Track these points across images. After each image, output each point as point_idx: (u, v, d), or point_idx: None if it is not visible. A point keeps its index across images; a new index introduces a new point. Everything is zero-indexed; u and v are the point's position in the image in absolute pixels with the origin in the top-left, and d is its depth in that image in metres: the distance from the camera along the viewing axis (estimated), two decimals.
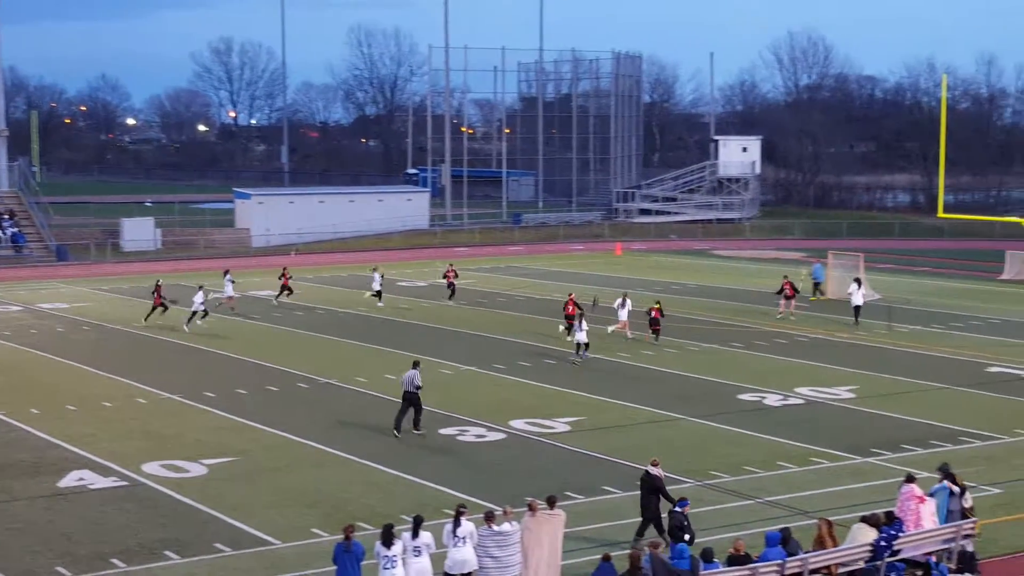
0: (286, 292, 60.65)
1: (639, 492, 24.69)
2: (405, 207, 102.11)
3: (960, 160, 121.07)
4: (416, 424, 34.03)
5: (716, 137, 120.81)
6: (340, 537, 20.91)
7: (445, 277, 62.39)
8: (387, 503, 27.59)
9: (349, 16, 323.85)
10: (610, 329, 49.91)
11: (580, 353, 45.30)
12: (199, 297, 52.46)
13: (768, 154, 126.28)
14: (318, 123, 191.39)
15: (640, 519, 24.68)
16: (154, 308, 53.63)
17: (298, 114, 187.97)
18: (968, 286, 69.19)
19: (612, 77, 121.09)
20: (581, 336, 45.28)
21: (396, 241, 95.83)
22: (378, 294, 59.55)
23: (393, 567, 20.48)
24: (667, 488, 24.62)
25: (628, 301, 50.53)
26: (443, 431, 34.50)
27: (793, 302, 55.45)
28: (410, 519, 21.49)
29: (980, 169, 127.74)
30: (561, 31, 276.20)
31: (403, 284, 68.51)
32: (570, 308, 48.74)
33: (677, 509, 23.01)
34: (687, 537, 22.54)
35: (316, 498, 28.16)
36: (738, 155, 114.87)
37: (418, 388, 33.93)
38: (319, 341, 50.31)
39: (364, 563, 20.74)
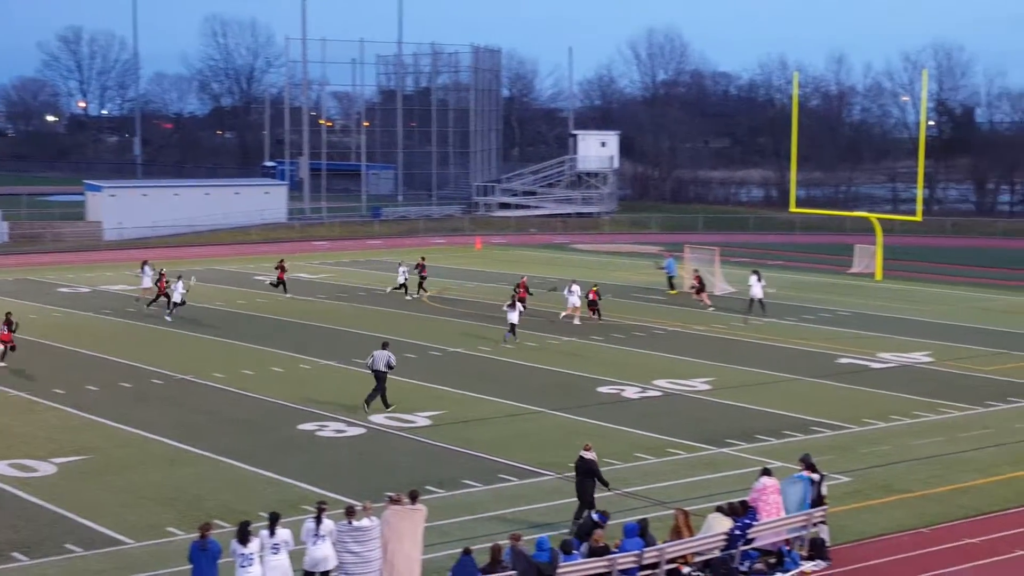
0: (282, 285, 60.43)
1: (574, 477, 25.48)
2: (263, 200, 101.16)
3: (811, 156, 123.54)
4: (385, 402, 35.92)
5: (575, 132, 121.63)
6: (196, 536, 20.62)
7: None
8: (244, 500, 27.29)
9: (204, 5, 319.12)
10: (562, 315, 52.54)
11: (508, 335, 47.81)
12: (179, 287, 53.73)
13: (626, 149, 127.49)
14: (172, 114, 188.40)
15: (577, 501, 25.28)
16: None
17: (151, 105, 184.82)
18: (819, 279, 70.60)
19: (471, 71, 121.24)
20: (513, 317, 47.74)
21: (254, 235, 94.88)
22: (402, 287, 59.54)
23: (250, 565, 20.23)
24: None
25: (576, 287, 52.98)
26: (302, 426, 34.23)
27: (704, 294, 57.72)
28: (268, 516, 21.23)
29: (830, 165, 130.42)
30: (420, 24, 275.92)
31: (260, 278, 67.80)
32: (522, 292, 52.11)
33: (596, 518, 22.85)
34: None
35: (171, 496, 27.74)
36: (596, 150, 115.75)
37: (390, 368, 35.84)
38: (174, 336, 49.59)
39: (221, 561, 20.48)
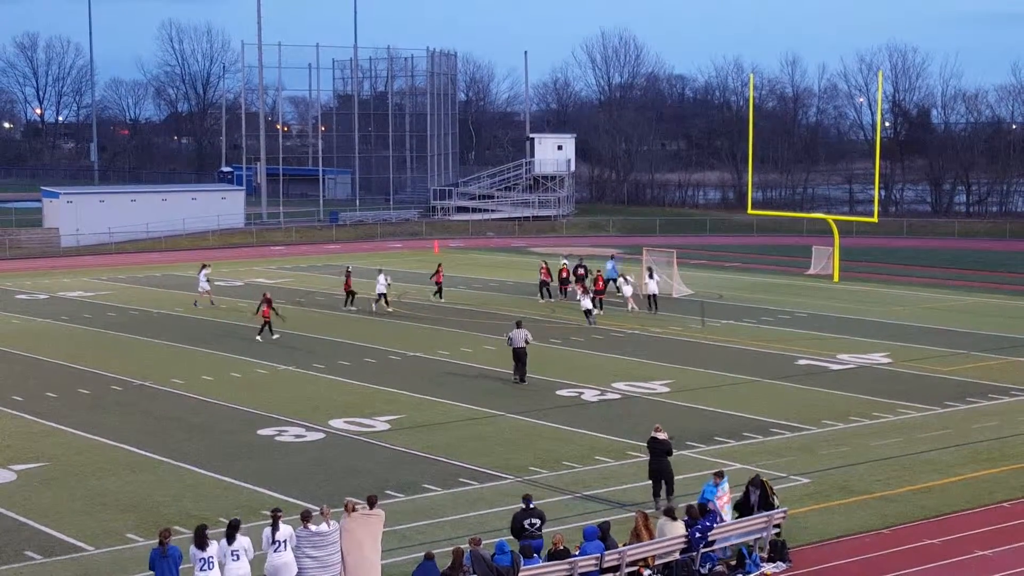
0: (351, 298, 58.44)
1: (648, 457, 27.35)
2: (220, 206, 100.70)
3: (768, 158, 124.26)
4: (523, 376, 40.21)
5: (531, 135, 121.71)
6: (155, 542, 20.54)
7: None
8: (204, 506, 27.19)
9: (159, 11, 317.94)
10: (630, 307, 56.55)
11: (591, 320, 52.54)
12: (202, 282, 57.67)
13: (582, 152, 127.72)
14: (128, 120, 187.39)
15: (651, 482, 27.15)
16: None
17: (107, 111, 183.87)
18: (777, 281, 70.91)
19: (427, 75, 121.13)
20: (586, 303, 52.74)
21: (212, 240, 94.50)
22: (380, 297, 57.11)
23: (210, 569, 20.20)
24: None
25: (629, 277, 57.95)
26: (261, 431, 34.13)
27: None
28: (227, 522, 21.16)
29: (786, 166, 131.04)
30: (376, 28, 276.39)
31: (219, 284, 67.50)
32: (543, 274, 58.99)
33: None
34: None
35: (130, 502, 27.61)
36: (553, 153, 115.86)
37: (528, 343, 40.32)
38: (133, 342, 49.33)
39: (181, 567, 20.41)
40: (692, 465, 30.45)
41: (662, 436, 27.37)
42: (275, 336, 49.31)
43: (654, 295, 56.90)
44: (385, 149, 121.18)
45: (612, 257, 65.68)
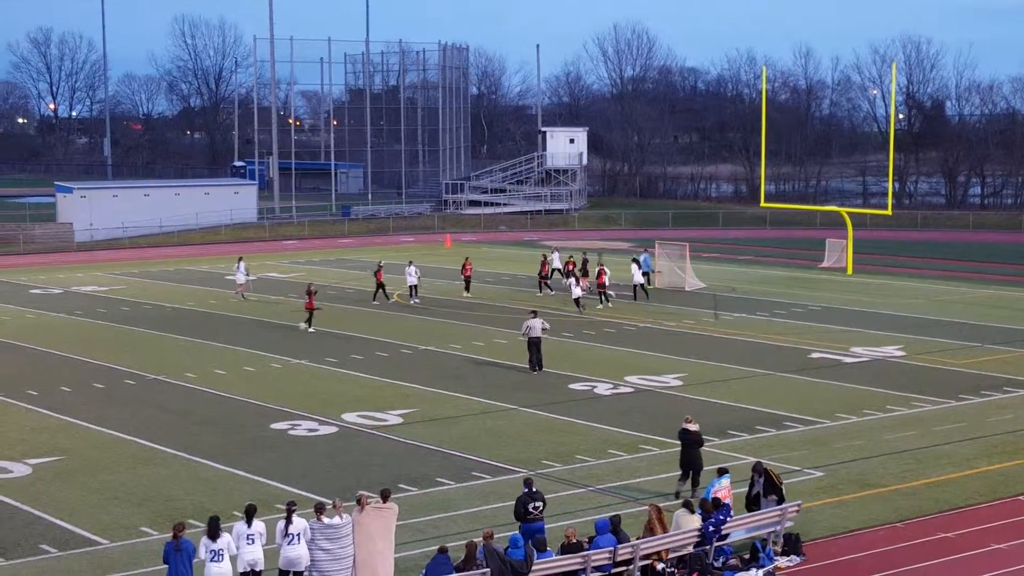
0: (381, 291, 58.29)
1: (679, 448, 27.79)
2: (233, 200, 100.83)
3: (780, 150, 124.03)
4: (540, 364, 41.25)
5: (543, 128, 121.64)
6: (169, 535, 20.59)
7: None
8: (217, 499, 27.24)
9: (171, 7, 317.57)
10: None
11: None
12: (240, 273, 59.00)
13: (594, 145, 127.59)
14: (141, 115, 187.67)
15: (680, 470, 27.54)
16: None
17: (120, 106, 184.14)
18: (790, 274, 70.77)
19: (439, 69, 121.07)
20: (576, 291, 54.66)
21: (224, 235, 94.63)
22: (412, 289, 57.80)
23: (220, 560, 20.28)
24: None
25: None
26: (274, 425, 34.19)
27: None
28: (241, 515, 21.22)
29: (799, 159, 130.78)
30: (388, 22, 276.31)
31: (231, 278, 67.63)
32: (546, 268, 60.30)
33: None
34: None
35: (144, 496, 27.67)
36: (565, 146, 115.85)
37: (545, 331, 41.61)
38: (146, 337, 49.42)
39: (195, 561, 20.46)
40: (706, 459, 30.33)
41: (693, 427, 27.60)
42: (311, 330, 49.65)
43: (641, 284, 58.27)
44: (397, 143, 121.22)
45: (645, 251, 65.59)
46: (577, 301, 54.71)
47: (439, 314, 54.65)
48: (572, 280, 56.58)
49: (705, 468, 27.44)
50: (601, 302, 56.00)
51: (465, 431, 33.72)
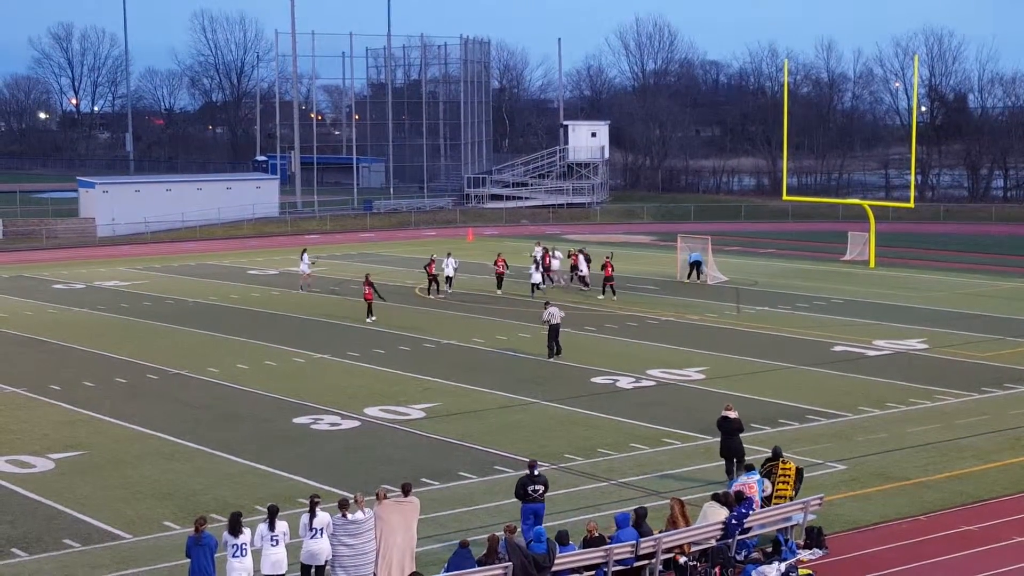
0: (434, 284, 58.89)
1: (719, 437, 28.26)
2: (255, 195, 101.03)
3: (802, 144, 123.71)
4: (560, 349, 42.65)
5: (565, 122, 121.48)
6: (192, 530, 20.63)
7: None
8: (240, 494, 27.29)
9: (192, 1, 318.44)
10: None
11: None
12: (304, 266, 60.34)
13: (616, 139, 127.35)
14: (163, 110, 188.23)
15: (724, 460, 28.00)
16: None
17: (142, 101, 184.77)
18: (812, 267, 70.61)
19: (461, 63, 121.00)
20: (536, 277, 57.62)
21: (247, 229, 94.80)
22: (448, 280, 58.80)
23: (243, 555, 20.28)
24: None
25: (558, 253, 61.06)
26: (297, 420, 34.24)
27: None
28: (264, 510, 21.25)
29: (822, 152, 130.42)
30: (409, 16, 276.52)
31: (254, 272, 67.83)
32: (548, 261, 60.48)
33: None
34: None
35: (167, 490, 27.74)
36: (587, 140, 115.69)
37: (562, 318, 43.16)
38: (169, 331, 49.54)
39: (216, 555, 20.50)
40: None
41: (732, 415, 27.85)
42: (372, 319, 50.50)
43: (583, 276, 59.97)
44: (419, 137, 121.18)
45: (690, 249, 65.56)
46: (535, 287, 57.67)
47: (461, 308, 54.65)
48: (534, 267, 58.92)
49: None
50: (603, 293, 57.30)
51: (487, 425, 33.72)
